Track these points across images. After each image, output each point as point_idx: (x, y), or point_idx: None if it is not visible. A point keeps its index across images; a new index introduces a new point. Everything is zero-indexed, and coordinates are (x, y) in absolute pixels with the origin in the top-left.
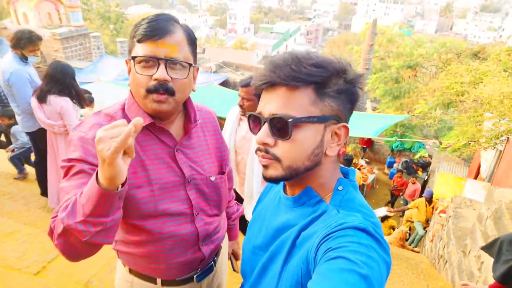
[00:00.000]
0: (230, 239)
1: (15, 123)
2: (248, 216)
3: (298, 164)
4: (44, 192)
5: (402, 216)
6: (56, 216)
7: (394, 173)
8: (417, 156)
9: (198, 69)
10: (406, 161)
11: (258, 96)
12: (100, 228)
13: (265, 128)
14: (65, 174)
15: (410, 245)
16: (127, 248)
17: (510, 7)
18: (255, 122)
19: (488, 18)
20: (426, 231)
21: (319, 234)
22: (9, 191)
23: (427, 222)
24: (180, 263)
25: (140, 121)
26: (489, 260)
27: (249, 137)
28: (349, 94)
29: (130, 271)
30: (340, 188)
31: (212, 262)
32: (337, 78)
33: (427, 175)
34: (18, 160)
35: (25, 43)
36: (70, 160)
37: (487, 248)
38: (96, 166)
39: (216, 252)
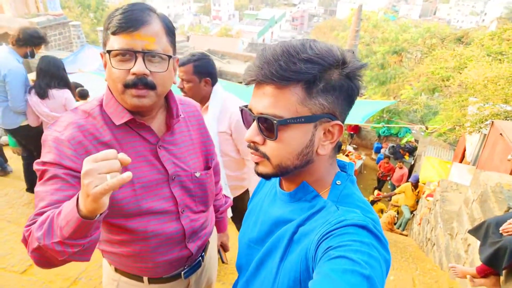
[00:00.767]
0: (218, 231)
1: None
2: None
3: (287, 163)
4: (30, 188)
5: (390, 200)
6: (30, 224)
7: (381, 159)
8: (403, 141)
9: (178, 60)
10: (393, 146)
11: (198, 75)
12: (78, 249)
13: (254, 126)
14: (40, 178)
15: (398, 228)
16: (111, 248)
17: None
18: (247, 116)
19: (470, 3)
20: (413, 214)
21: (318, 231)
22: None
23: (416, 202)
24: (166, 261)
25: (128, 160)
26: (475, 243)
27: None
28: (345, 89)
29: (116, 270)
30: (338, 182)
31: (200, 258)
32: (331, 73)
33: (413, 159)
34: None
35: (39, 42)
36: (44, 163)
37: (474, 231)
38: (71, 169)
39: (203, 248)
